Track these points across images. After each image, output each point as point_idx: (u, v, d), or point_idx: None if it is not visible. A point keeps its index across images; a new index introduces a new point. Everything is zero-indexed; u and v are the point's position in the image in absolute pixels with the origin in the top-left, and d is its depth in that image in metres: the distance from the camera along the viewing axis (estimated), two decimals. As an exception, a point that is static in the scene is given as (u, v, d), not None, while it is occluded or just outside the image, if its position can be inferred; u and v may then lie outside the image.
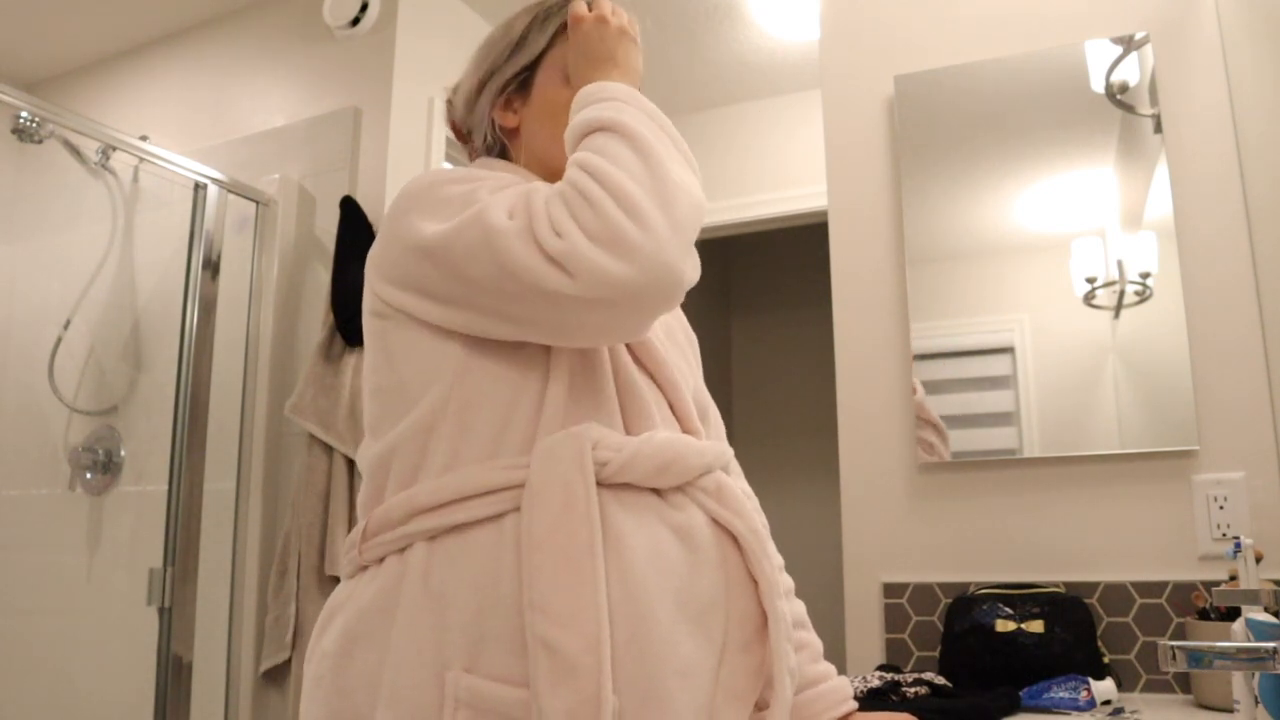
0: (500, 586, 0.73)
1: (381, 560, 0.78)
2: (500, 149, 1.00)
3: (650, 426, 0.83)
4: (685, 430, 0.88)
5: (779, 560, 1.01)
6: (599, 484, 0.76)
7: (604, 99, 0.83)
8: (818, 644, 1.01)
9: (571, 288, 0.72)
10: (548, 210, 0.75)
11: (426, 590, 0.74)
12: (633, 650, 0.72)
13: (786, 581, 1.02)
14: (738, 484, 1.03)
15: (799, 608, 1.02)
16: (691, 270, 0.76)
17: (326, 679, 0.76)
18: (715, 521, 0.82)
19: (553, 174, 0.95)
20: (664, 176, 0.76)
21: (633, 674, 0.72)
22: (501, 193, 0.80)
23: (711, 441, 0.86)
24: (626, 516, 0.77)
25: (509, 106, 0.98)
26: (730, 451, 0.92)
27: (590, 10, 0.93)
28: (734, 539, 0.82)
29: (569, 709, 0.67)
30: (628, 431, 0.82)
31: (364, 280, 0.88)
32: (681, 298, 0.77)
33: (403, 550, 0.77)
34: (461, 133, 1.04)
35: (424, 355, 0.81)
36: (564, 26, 0.97)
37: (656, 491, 0.80)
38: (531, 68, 0.97)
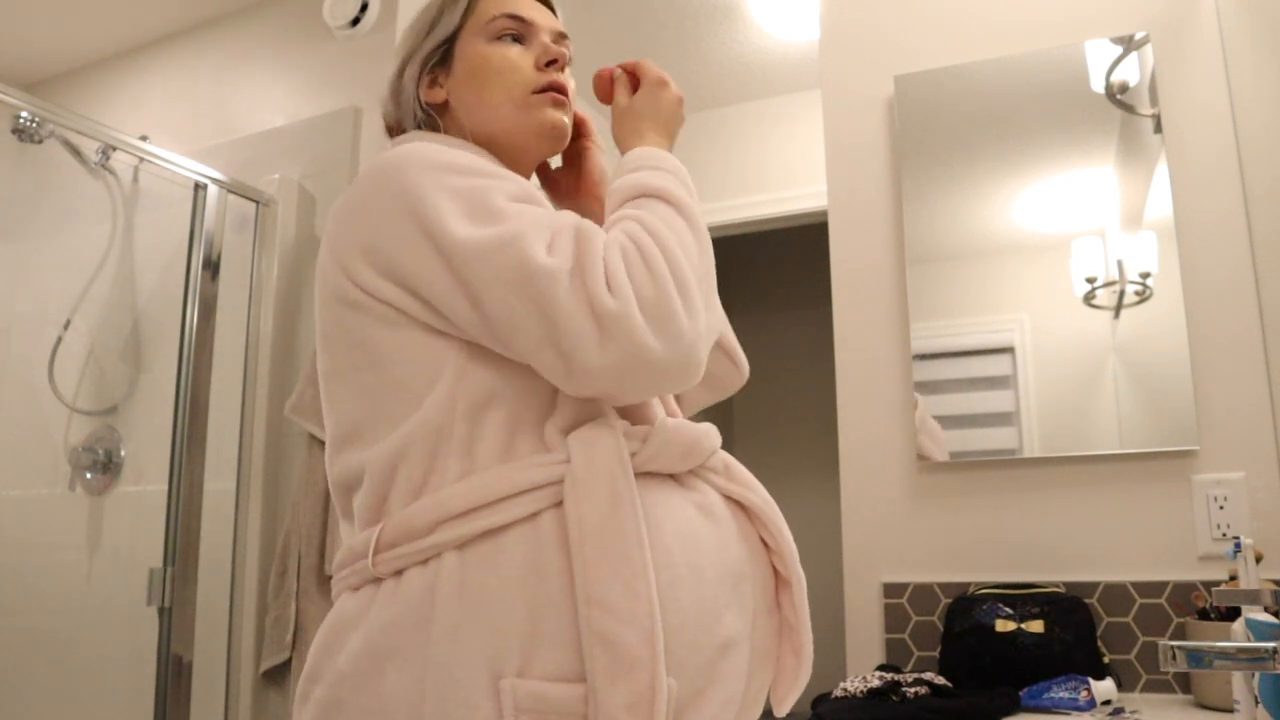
0: (548, 584, 0.71)
1: (399, 574, 0.74)
2: (430, 127, 0.97)
3: (646, 411, 0.83)
4: (668, 411, 0.89)
5: None
6: None
7: (665, 168, 0.84)
8: None
9: (596, 357, 0.71)
10: (607, 259, 0.73)
11: (465, 600, 0.71)
12: (681, 633, 0.73)
13: None
14: None
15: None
16: (704, 368, 0.77)
17: (350, 702, 0.71)
18: (726, 497, 0.85)
19: (488, 139, 0.94)
20: (711, 277, 0.79)
21: (684, 655, 0.73)
22: (529, 213, 0.76)
23: (705, 424, 0.87)
24: (656, 503, 0.77)
25: (434, 83, 0.96)
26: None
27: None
28: (744, 511, 0.85)
29: (628, 702, 0.68)
30: (630, 417, 0.82)
31: (326, 251, 0.82)
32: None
33: (425, 562, 0.73)
34: (394, 129, 1.01)
35: (420, 353, 0.77)
36: None
37: (671, 476, 0.81)
38: (451, 40, 0.95)
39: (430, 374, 0.77)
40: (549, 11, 1.00)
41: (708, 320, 0.76)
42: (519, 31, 0.95)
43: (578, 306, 0.71)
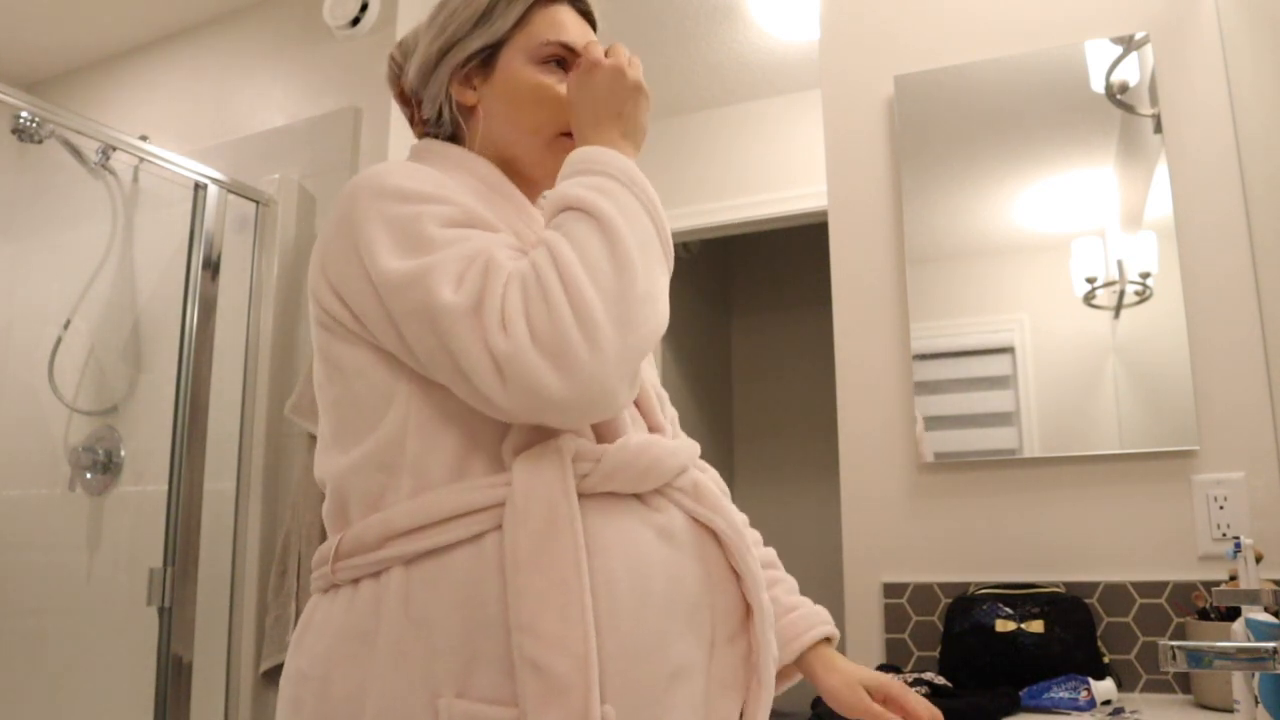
0: (486, 608, 0.72)
1: (356, 582, 0.76)
2: (450, 127, 0.96)
3: (620, 428, 0.81)
4: (651, 427, 0.87)
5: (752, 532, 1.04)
6: (581, 494, 0.76)
7: (598, 171, 0.79)
8: (791, 581, 1.02)
9: (501, 397, 0.70)
10: (504, 294, 0.71)
11: (408, 617, 0.72)
12: (623, 661, 0.72)
13: (754, 534, 1.04)
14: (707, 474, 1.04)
15: (769, 551, 1.04)
16: (629, 393, 0.74)
17: (307, 704, 0.74)
18: (694, 519, 0.82)
19: (507, 161, 0.93)
20: (632, 293, 0.72)
21: (625, 683, 0.72)
22: (458, 243, 0.75)
23: (681, 440, 0.85)
24: (609, 525, 0.76)
25: (468, 83, 0.93)
26: (697, 446, 0.90)
27: (607, 57, 0.88)
28: (713, 535, 0.83)
29: None
30: (597, 435, 0.80)
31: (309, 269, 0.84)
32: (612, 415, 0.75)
33: (378, 574, 0.75)
34: (408, 98, 0.99)
35: (376, 371, 0.78)
36: (534, 5, 0.93)
37: (636, 495, 0.79)
38: (496, 46, 0.92)
39: (386, 391, 0.78)
40: (594, 37, 0.98)
41: (623, 343, 0.71)
42: (565, 58, 0.93)
43: (475, 346, 0.70)
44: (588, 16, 0.99)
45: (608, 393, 0.71)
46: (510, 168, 0.94)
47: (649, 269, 0.75)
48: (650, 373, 0.95)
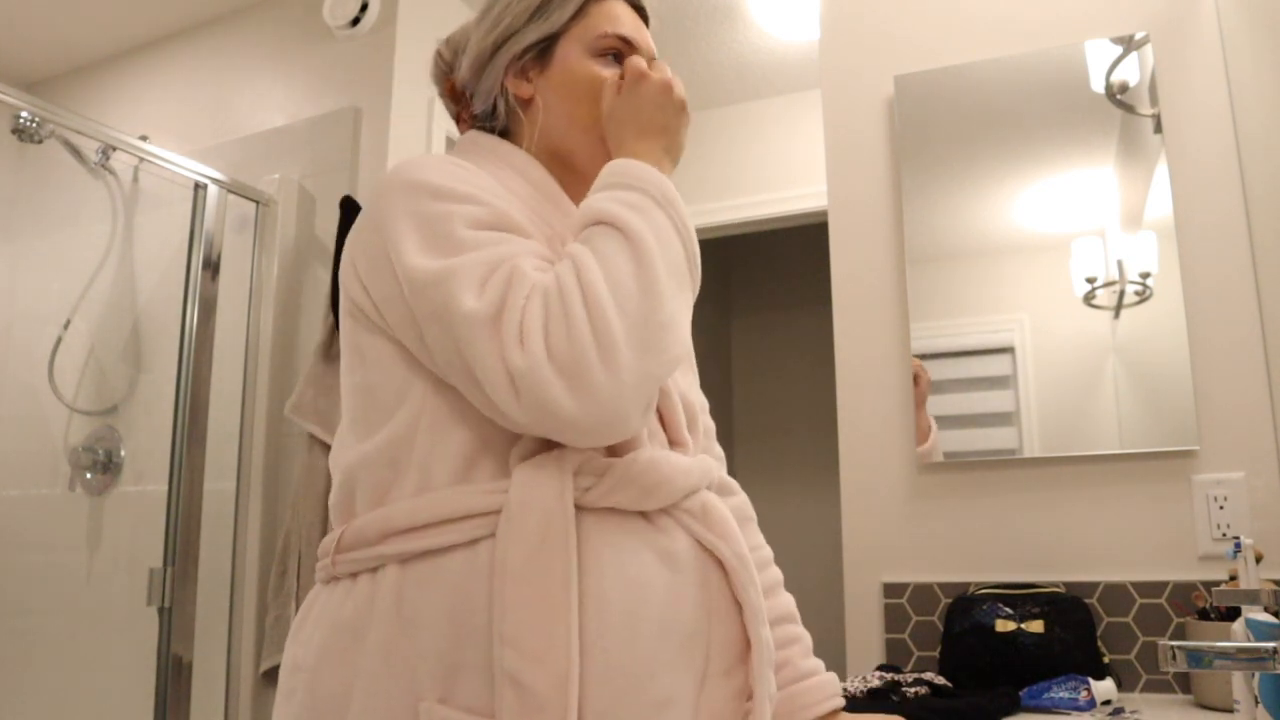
0: (475, 616, 0.70)
1: (354, 576, 0.76)
2: (503, 121, 0.94)
3: (634, 441, 0.78)
4: (673, 442, 0.84)
5: (768, 552, 1.02)
6: (582, 508, 0.74)
7: (635, 186, 0.77)
8: (807, 639, 1.00)
9: (514, 410, 0.69)
10: (525, 307, 0.70)
11: (399, 617, 0.71)
12: (607, 684, 0.70)
13: (776, 574, 1.01)
14: (728, 501, 1.01)
15: (788, 600, 1.00)
16: (643, 418, 0.72)
17: (298, 694, 0.74)
18: (700, 544, 0.80)
19: (561, 156, 0.91)
20: (655, 318, 0.71)
21: (606, 707, 0.70)
22: (485, 246, 0.74)
23: (698, 458, 0.83)
24: (607, 543, 0.74)
25: (524, 75, 0.92)
26: (716, 466, 0.87)
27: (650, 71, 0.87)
28: (718, 562, 0.80)
29: None
30: (608, 447, 0.77)
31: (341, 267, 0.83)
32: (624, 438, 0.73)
33: (375, 570, 0.75)
34: (458, 93, 0.98)
35: (394, 366, 0.78)
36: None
37: (642, 514, 0.77)
38: (553, 38, 0.91)
39: (402, 386, 0.77)
40: (647, 31, 0.97)
41: (642, 368, 0.70)
42: (621, 51, 0.92)
43: (491, 358, 0.69)
44: (641, 12, 0.98)
45: (620, 417, 0.70)
46: (564, 163, 0.92)
47: (674, 295, 0.73)
48: (685, 383, 0.91)
